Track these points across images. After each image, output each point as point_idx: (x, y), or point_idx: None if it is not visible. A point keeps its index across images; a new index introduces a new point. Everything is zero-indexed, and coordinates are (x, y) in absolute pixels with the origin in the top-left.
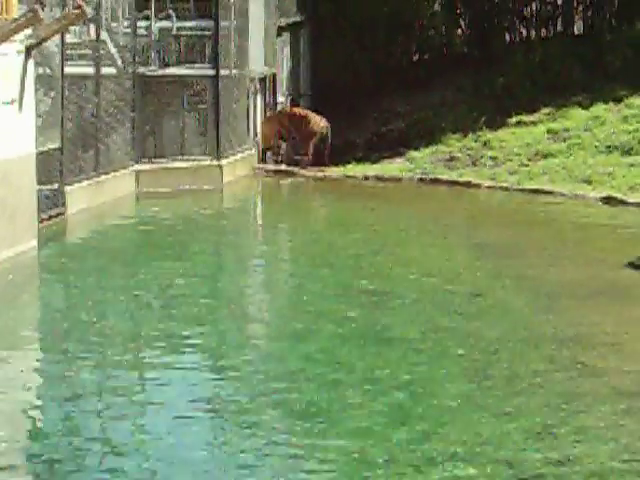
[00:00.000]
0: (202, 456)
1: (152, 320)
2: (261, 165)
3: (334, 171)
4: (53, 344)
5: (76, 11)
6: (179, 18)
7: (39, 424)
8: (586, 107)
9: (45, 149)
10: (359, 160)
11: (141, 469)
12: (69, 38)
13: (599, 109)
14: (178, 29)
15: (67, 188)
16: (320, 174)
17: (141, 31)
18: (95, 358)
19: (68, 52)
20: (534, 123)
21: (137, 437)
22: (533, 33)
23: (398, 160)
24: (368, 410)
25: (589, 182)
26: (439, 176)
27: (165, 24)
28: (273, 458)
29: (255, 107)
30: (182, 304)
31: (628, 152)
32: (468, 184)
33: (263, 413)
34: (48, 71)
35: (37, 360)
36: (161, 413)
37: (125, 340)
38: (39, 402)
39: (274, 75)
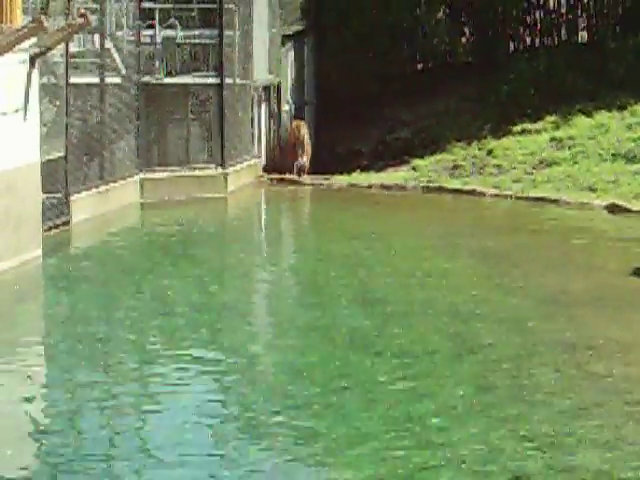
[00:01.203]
0: None
1: (157, 330)
2: (265, 174)
3: (339, 179)
4: (57, 354)
5: (80, 20)
6: (183, 27)
7: (40, 432)
8: (590, 115)
9: (50, 158)
10: (364, 168)
11: None
12: (73, 47)
13: (603, 117)
14: (182, 38)
15: (72, 197)
16: (325, 183)
17: (145, 40)
18: (99, 368)
19: (72, 61)
20: (538, 131)
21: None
22: (537, 41)
23: (403, 168)
24: (369, 415)
25: (594, 190)
26: (444, 184)
27: (169, 33)
28: None
29: (259, 116)
30: (187, 313)
31: (632, 160)
32: (472, 192)
33: None
34: (52, 80)
35: (41, 369)
36: (163, 421)
37: (129, 350)
38: (41, 413)
39: (278, 84)
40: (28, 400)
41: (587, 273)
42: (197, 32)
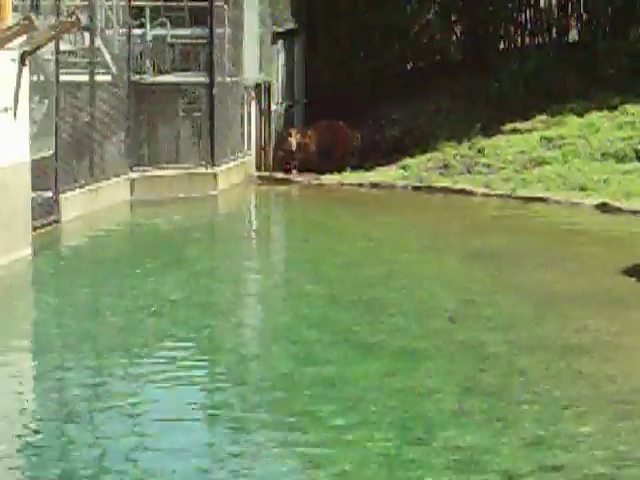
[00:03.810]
0: None
1: (145, 329)
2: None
3: (329, 178)
4: (45, 352)
5: (71, 19)
6: (174, 26)
7: (29, 431)
8: (581, 114)
9: (39, 157)
10: (354, 167)
11: None
12: (64, 46)
13: (594, 116)
14: (173, 37)
15: (61, 196)
16: (315, 181)
17: (136, 39)
18: (87, 366)
19: (63, 60)
20: (529, 130)
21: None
22: (528, 40)
23: (393, 167)
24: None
25: (584, 189)
26: (434, 184)
27: (160, 32)
28: None
29: (250, 114)
30: (177, 313)
31: (623, 159)
32: (463, 191)
33: None
34: (42, 79)
35: (29, 368)
36: (153, 422)
37: (117, 349)
38: (30, 409)
39: (269, 82)
40: (18, 394)
41: (578, 272)
42: (188, 31)
